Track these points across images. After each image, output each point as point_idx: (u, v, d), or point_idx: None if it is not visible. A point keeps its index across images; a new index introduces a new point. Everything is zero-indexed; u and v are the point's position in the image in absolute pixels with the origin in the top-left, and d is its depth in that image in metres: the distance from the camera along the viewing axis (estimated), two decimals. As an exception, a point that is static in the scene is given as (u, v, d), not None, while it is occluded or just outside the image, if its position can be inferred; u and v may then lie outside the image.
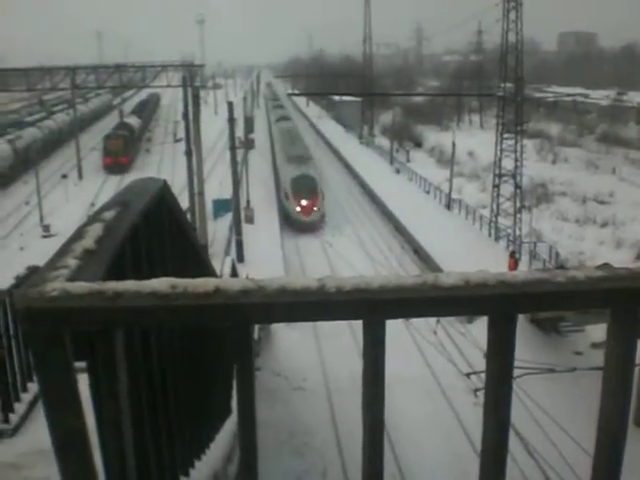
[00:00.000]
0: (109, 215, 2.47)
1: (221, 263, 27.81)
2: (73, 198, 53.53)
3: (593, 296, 1.70)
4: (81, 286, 1.63)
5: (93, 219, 2.42)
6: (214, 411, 6.11)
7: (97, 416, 2.25)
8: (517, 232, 45.60)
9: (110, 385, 1.85)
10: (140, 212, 2.86)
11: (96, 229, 2.25)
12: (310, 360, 26.14)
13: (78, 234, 2.21)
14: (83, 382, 1.84)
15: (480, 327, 28.45)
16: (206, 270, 6.27)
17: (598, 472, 1.86)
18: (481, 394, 19.34)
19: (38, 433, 4.90)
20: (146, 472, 2.64)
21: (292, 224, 48.30)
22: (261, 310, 1.62)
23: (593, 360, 22.76)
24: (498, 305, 1.66)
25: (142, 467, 2.48)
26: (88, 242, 2.11)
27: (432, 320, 28.28)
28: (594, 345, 28.69)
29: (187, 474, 3.98)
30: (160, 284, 1.62)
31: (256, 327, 19.21)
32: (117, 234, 2.39)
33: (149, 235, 3.10)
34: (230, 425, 7.13)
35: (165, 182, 3.73)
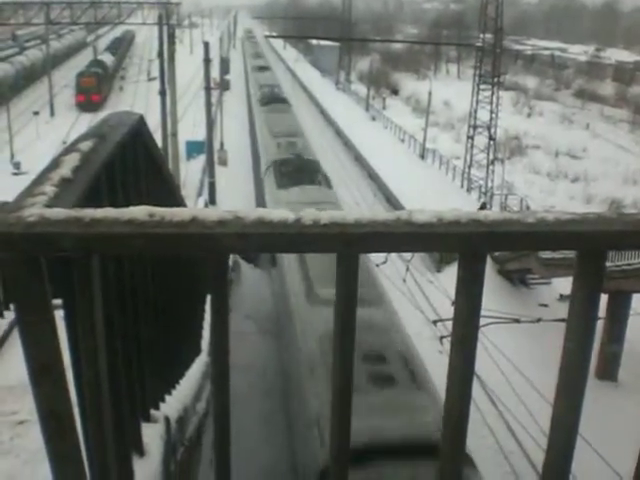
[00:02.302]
0: (86, 146, 2.47)
1: (194, 204, 27.65)
2: (44, 135, 52.80)
3: (561, 238, 1.74)
4: (59, 212, 1.64)
5: (70, 149, 2.42)
6: (184, 348, 6.17)
7: (71, 346, 2.27)
8: (489, 184, 45.81)
9: (86, 312, 1.88)
10: (116, 144, 2.86)
11: (73, 159, 2.25)
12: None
13: (55, 163, 2.21)
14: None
15: (449, 276, 28.74)
16: (179, 206, 6.26)
17: (558, 419, 1.91)
18: (446, 341, 19.63)
19: (6, 370, 4.93)
20: (118, 403, 2.68)
21: None
22: (237, 240, 1.63)
23: (559, 312, 23.12)
24: (469, 242, 1.70)
25: (114, 398, 2.52)
26: (65, 171, 2.11)
27: (401, 268, 28.52)
28: (561, 297, 29.16)
29: (157, 407, 4.04)
30: (137, 212, 1.63)
31: (227, 270, 19.15)
32: (93, 164, 2.40)
33: (124, 168, 3.10)
34: (199, 364, 7.20)
35: (141, 116, 3.71)
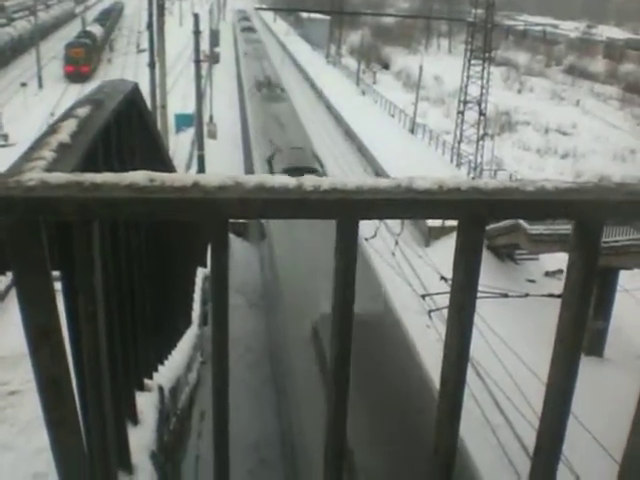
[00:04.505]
0: (83, 112, 2.46)
1: (183, 178, 27.44)
2: (32, 107, 52.32)
3: (560, 206, 1.75)
4: (59, 176, 1.62)
5: (67, 115, 2.40)
6: (176, 319, 6.18)
7: (69, 314, 2.27)
8: (479, 159, 45.82)
9: (86, 278, 1.87)
10: (112, 111, 2.84)
11: (70, 124, 2.24)
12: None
13: (52, 129, 2.19)
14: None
15: (437, 250, 28.80)
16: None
17: (552, 390, 1.92)
18: (434, 315, 19.76)
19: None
20: (114, 372, 2.69)
21: None
22: (238, 205, 1.63)
23: (546, 288, 23.24)
24: (469, 210, 1.70)
25: (111, 366, 2.52)
26: (63, 136, 2.10)
27: (391, 242, 28.55)
28: (547, 274, 29.33)
29: (151, 377, 4.06)
30: (138, 176, 1.62)
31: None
32: (90, 130, 2.38)
33: (120, 134, 3.09)
34: (190, 335, 7.22)
35: (136, 84, 3.70)
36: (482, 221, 1.75)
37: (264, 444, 13.69)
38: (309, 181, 1.65)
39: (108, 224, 2.58)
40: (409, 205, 1.68)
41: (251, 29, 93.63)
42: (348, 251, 1.74)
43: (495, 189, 1.70)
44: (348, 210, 1.67)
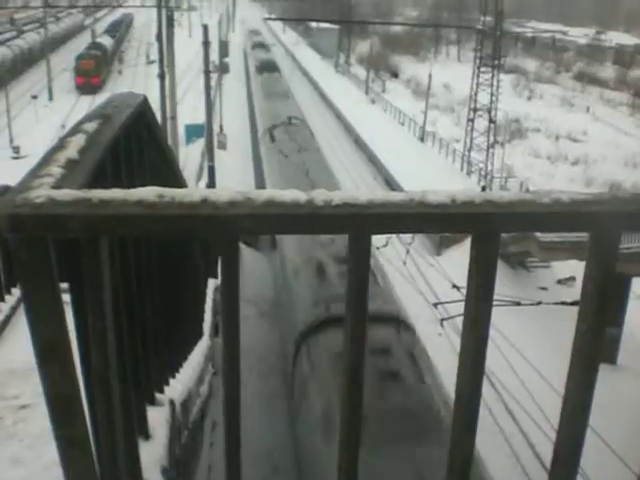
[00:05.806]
0: (91, 127, 2.45)
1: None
2: (43, 119, 52.59)
3: (576, 218, 1.73)
4: (67, 193, 1.62)
5: (75, 130, 2.39)
6: (187, 331, 6.16)
7: (78, 329, 2.25)
8: (489, 167, 45.72)
9: (95, 294, 1.86)
10: (121, 126, 2.83)
11: (78, 140, 2.23)
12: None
13: (61, 144, 2.18)
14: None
15: (449, 259, 28.73)
16: (182, 188, 6.23)
17: (570, 400, 1.90)
18: (447, 324, 19.72)
19: (8, 354, 4.92)
20: (124, 386, 2.67)
21: None
22: (248, 221, 1.61)
23: (558, 295, 23.14)
24: (483, 223, 1.68)
25: (121, 381, 2.50)
26: (71, 152, 2.09)
27: (402, 251, 28.53)
28: (559, 281, 29.20)
29: (162, 391, 4.04)
30: (147, 193, 1.61)
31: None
32: (99, 146, 2.37)
33: (129, 149, 3.08)
34: (201, 347, 7.20)
35: (145, 97, 3.69)
36: (496, 234, 1.72)
37: (277, 452, 13.65)
38: (320, 195, 1.63)
39: (117, 240, 2.57)
40: (422, 219, 1.65)
41: (273, 67, 55.27)
42: (360, 266, 1.72)
43: (509, 202, 1.68)
44: (360, 225, 1.65)
